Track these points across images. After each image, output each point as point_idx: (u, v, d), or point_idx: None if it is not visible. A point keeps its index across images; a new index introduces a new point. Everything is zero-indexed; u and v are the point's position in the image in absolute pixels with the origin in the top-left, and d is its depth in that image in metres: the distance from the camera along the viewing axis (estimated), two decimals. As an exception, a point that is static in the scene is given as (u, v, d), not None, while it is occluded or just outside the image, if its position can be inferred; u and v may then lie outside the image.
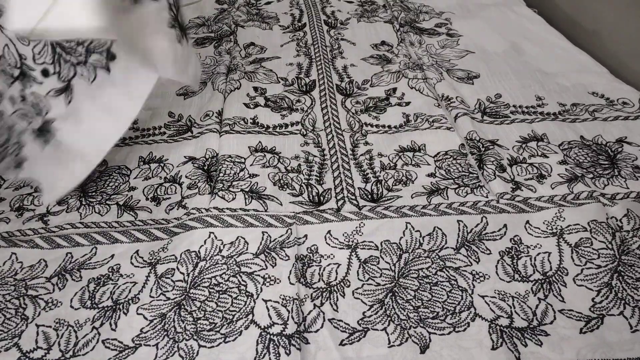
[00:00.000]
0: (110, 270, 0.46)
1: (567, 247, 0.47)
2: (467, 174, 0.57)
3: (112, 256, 0.48)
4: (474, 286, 0.45)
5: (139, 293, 0.45)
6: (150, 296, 0.44)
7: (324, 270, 0.46)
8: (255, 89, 0.73)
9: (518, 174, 0.57)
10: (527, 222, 0.49)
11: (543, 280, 0.45)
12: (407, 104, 0.70)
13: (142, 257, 0.48)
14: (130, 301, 0.44)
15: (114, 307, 0.43)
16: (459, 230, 0.48)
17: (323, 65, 0.79)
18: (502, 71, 0.76)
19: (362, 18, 0.95)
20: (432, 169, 0.58)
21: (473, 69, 0.78)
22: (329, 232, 0.49)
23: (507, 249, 0.47)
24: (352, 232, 0.49)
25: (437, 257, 0.47)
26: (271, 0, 1.02)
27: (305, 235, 0.49)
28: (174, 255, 0.47)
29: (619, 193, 0.54)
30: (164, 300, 0.44)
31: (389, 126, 0.66)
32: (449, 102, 0.69)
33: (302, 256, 0.47)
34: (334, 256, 0.47)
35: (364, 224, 0.50)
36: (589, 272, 0.45)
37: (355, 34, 0.89)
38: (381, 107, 0.69)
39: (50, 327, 0.42)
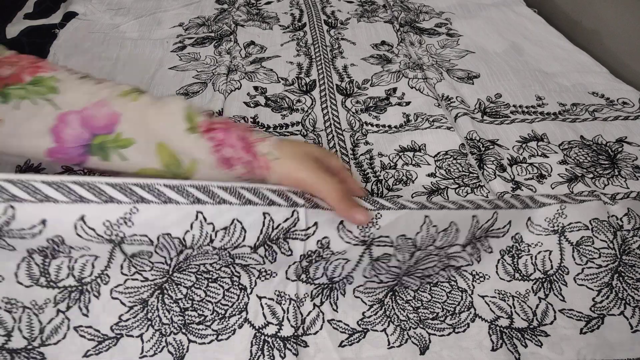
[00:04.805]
0: (52, 242, 0.35)
1: (568, 245, 0.46)
2: (467, 173, 0.57)
3: (44, 222, 0.33)
4: (473, 287, 0.44)
5: (106, 269, 0.36)
6: (122, 273, 0.37)
7: (330, 264, 0.41)
8: (256, 88, 0.73)
9: (518, 174, 0.57)
10: (529, 218, 0.47)
11: (544, 279, 0.45)
12: (407, 103, 0.70)
13: (93, 229, 0.34)
14: (99, 280, 0.36)
15: (80, 287, 0.36)
16: (471, 227, 0.43)
17: (323, 65, 0.79)
18: (502, 71, 0.77)
19: (362, 18, 0.95)
20: (432, 169, 0.58)
21: (473, 68, 0.78)
22: (341, 222, 0.40)
23: (508, 248, 0.46)
24: (367, 226, 0.40)
25: (444, 255, 0.44)
26: (271, 0, 1.02)
27: (316, 224, 0.39)
28: (146, 236, 0.35)
29: (619, 193, 0.54)
30: (142, 281, 0.37)
31: (389, 126, 0.66)
32: (449, 102, 0.69)
33: (309, 252, 0.40)
34: (345, 252, 0.40)
35: (381, 215, 0.41)
36: (589, 272, 0.45)
37: (355, 33, 0.89)
38: (381, 107, 0.70)
39: None
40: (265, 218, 0.38)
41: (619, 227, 0.48)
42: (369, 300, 0.43)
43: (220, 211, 0.36)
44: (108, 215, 0.34)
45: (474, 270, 0.45)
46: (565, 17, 0.94)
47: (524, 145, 0.61)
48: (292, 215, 0.39)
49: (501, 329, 0.42)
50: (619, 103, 0.69)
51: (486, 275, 0.45)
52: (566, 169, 0.57)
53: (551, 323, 0.42)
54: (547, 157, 0.59)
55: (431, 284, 0.44)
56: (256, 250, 0.39)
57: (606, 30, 0.85)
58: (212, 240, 0.37)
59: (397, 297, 0.43)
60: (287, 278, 0.41)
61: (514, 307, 0.43)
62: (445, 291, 0.44)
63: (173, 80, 0.76)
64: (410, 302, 0.43)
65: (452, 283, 0.44)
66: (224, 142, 0.38)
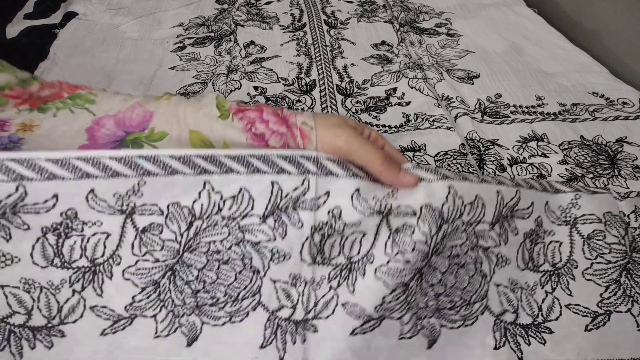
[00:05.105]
0: (65, 216, 0.35)
1: (579, 238, 0.44)
2: (468, 173, 0.57)
3: (56, 197, 0.34)
4: (494, 272, 0.41)
5: (117, 249, 0.36)
6: (134, 254, 0.37)
7: (345, 240, 0.38)
8: (256, 88, 0.73)
9: (518, 174, 0.57)
10: (547, 203, 0.44)
11: (552, 272, 0.43)
12: (407, 103, 0.70)
13: (104, 201, 0.35)
14: (110, 260, 0.37)
15: (93, 268, 0.37)
16: (497, 203, 0.40)
17: (323, 65, 0.79)
18: (502, 71, 0.77)
19: (362, 18, 0.95)
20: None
21: (473, 68, 0.78)
22: (357, 190, 0.38)
23: (531, 231, 0.43)
24: (384, 196, 0.38)
25: (472, 232, 0.39)
26: (271, 0, 1.02)
27: (327, 193, 0.38)
28: (156, 205, 0.36)
29: (619, 193, 0.54)
30: (153, 262, 0.37)
31: (389, 126, 0.66)
32: (449, 102, 0.69)
33: (321, 224, 0.38)
34: (359, 223, 0.38)
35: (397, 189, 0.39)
36: (598, 267, 0.43)
37: (355, 33, 0.89)
38: (381, 107, 0.70)
39: (17, 287, 0.36)
40: (273, 187, 0.37)
41: (627, 223, 0.47)
42: (393, 284, 0.38)
43: (228, 180, 0.36)
44: (117, 188, 0.35)
45: (499, 253, 0.42)
46: (565, 17, 0.95)
47: (524, 145, 0.61)
48: (302, 184, 0.37)
49: (505, 325, 0.40)
50: (619, 103, 0.69)
51: (508, 259, 0.42)
52: (566, 169, 0.57)
53: (556, 319, 0.41)
54: (547, 157, 0.59)
55: (459, 265, 0.40)
56: (265, 220, 0.37)
57: (606, 30, 0.85)
58: (220, 209, 0.37)
59: (423, 280, 0.39)
60: (302, 260, 0.38)
61: (521, 301, 0.41)
62: (468, 275, 0.40)
63: (173, 80, 0.76)
64: (435, 286, 0.39)
65: (477, 265, 0.41)
66: (256, 120, 0.39)
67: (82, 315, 0.36)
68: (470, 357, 0.39)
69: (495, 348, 0.39)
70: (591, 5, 0.88)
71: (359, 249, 0.38)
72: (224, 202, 0.37)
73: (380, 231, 0.38)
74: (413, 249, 0.37)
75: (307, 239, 0.38)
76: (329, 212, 0.37)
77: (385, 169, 0.37)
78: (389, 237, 0.38)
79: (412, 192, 0.38)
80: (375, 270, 0.37)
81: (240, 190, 0.37)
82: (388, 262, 0.37)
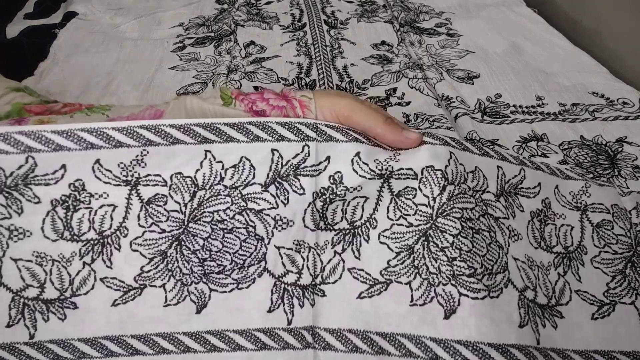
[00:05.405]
0: (73, 188, 0.37)
1: (588, 225, 0.43)
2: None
3: (64, 167, 0.36)
4: (509, 244, 0.40)
5: (124, 221, 0.37)
6: (140, 225, 0.37)
7: (348, 205, 0.38)
8: (256, 88, 0.73)
9: (518, 174, 0.57)
10: (557, 186, 0.44)
11: (564, 255, 0.42)
12: (407, 103, 0.70)
13: (109, 171, 0.36)
14: (118, 232, 0.37)
15: (101, 240, 0.37)
16: (497, 178, 0.40)
17: (323, 65, 0.79)
18: (502, 71, 0.77)
19: (362, 18, 0.95)
20: (432, 169, 0.58)
21: (473, 68, 0.78)
22: (357, 154, 0.38)
23: (538, 210, 0.42)
24: (385, 159, 0.39)
25: (480, 199, 0.39)
26: (271, 0, 1.02)
27: (328, 158, 0.38)
28: (159, 175, 0.38)
29: (622, 187, 0.54)
30: (159, 233, 0.38)
31: (389, 126, 0.66)
32: (449, 102, 0.69)
33: (322, 190, 0.38)
34: (361, 188, 0.38)
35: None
36: (606, 256, 0.43)
37: (355, 33, 0.89)
38: (381, 107, 0.69)
39: (30, 261, 0.36)
40: (273, 155, 0.38)
41: (629, 219, 0.47)
42: (396, 247, 0.37)
43: (229, 149, 0.37)
44: (121, 158, 0.36)
45: (510, 226, 0.40)
46: (565, 17, 0.95)
47: (524, 146, 0.61)
48: (302, 151, 0.38)
49: (528, 302, 0.38)
50: (619, 103, 0.69)
51: (519, 234, 0.41)
52: (566, 169, 0.57)
53: (566, 303, 0.40)
54: (547, 157, 0.60)
55: (473, 230, 0.38)
56: (267, 188, 0.38)
57: (606, 30, 0.85)
58: (222, 179, 0.37)
59: (431, 244, 0.37)
60: (306, 226, 0.39)
61: (538, 279, 0.40)
62: (485, 242, 0.38)
63: (173, 80, 0.76)
64: (447, 250, 0.37)
65: (492, 234, 0.39)
66: (257, 100, 0.41)
67: (93, 287, 0.37)
68: (497, 333, 0.35)
69: (520, 326, 0.36)
70: (591, 5, 0.88)
71: (362, 214, 0.38)
72: (226, 171, 0.37)
73: (382, 195, 0.38)
74: (415, 212, 0.37)
75: (309, 205, 0.38)
76: (330, 178, 0.38)
77: (388, 128, 0.38)
78: (390, 201, 0.38)
79: (415, 154, 0.39)
80: (379, 235, 0.37)
81: (241, 159, 0.37)
82: (391, 226, 0.37)
